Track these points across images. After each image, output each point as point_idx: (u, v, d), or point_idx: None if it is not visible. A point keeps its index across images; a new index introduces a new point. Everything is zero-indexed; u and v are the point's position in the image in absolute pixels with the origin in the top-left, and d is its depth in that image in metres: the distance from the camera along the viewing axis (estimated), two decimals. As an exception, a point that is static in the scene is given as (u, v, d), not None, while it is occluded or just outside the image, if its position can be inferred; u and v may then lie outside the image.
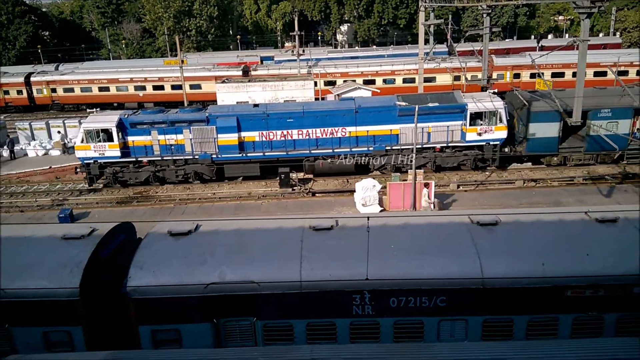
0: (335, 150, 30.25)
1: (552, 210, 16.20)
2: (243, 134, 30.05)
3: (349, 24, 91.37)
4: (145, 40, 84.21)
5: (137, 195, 30.40)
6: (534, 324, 10.62)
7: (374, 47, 74.82)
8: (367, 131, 30.07)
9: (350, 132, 30.10)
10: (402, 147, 30.13)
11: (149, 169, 30.59)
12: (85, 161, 30.33)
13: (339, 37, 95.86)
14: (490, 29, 33.92)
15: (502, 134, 29.92)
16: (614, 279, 10.37)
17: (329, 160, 30.40)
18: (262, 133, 30.07)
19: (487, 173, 30.94)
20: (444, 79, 47.27)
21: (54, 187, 32.51)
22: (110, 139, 29.47)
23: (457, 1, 43.28)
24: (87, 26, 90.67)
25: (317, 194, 29.30)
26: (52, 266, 10.94)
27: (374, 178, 27.64)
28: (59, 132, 40.64)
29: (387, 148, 30.13)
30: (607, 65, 42.96)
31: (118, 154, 29.80)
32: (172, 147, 30.15)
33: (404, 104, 27.46)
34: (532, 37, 74.37)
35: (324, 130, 30.08)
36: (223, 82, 43.27)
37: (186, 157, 30.40)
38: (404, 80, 48.99)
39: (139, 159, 30.36)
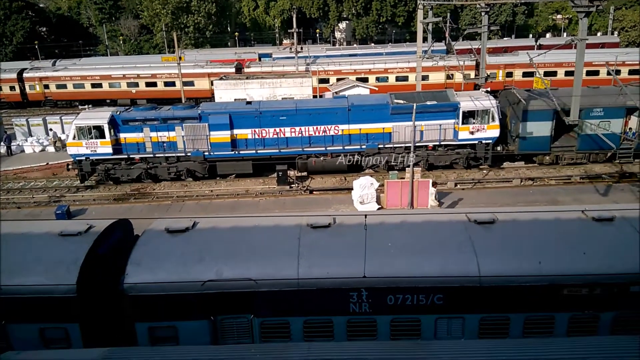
0: (328, 148, 30.22)
1: (549, 208, 16.27)
2: (235, 131, 29.98)
3: (347, 22, 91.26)
4: (143, 37, 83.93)
5: (134, 192, 30.35)
6: (530, 322, 10.65)
7: (372, 44, 74.75)
8: (360, 129, 30.03)
9: (343, 130, 30.08)
10: (395, 146, 30.13)
11: (141, 166, 30.48)
12: (77, 158, 30.22)
13: (337, 34, 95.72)
14: (488, 27, 33.88)
15: (495, 132, 29.95)
16: (610, 278, 10.41)
17: (321, 158, 30.39)
18: (254, 130, 30.01)
19: (484, 171, 30.98)
20: (437, 77, 47.27)
21: (51, 183, 32.45)
22: (102, 135, 29.38)
23: (455, -1, 43.28)
24: (85, 22, 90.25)
25: (314, 192, 29.31)
26: (49, 263, 10.93)
27: (371, 176, 27.65)
28: (50, 129, 40.43)
29: (379, 146, 30.13)
30: (599, 65, 43.06)
31: (110, 151, 29.69)
32: (165, 145, 30.06)
33: (401, 101, 27.49)
34: (530, 35, 74.47)
35: (317, 128, 30.06)
36: (221, 79, 43.18)
37: (178, 155, 30.32)
38: (397, 79, 48.97)
39: (131, 156, 30.26)
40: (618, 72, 44.91)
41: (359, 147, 30.17)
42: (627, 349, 7.70)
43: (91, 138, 29.45)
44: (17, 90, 55.52)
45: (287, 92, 40.46)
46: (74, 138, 29.71)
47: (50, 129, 40.46)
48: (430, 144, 30.13)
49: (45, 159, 36.31)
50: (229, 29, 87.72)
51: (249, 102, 31.92)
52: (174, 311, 10.79)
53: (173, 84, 51.80)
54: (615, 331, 10.61)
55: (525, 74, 47.44)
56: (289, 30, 67.59)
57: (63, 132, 39.95)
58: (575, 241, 11.00)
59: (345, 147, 30.22)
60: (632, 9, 74.47)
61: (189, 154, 30.17)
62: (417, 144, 29.88)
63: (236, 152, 30.16)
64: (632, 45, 68.06)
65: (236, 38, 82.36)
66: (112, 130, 29.56)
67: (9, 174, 34.33)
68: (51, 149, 38.61)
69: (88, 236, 11.61)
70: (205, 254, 11.06)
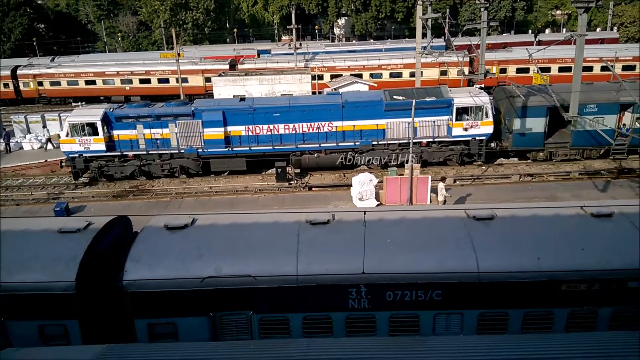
0: (321, 145, 30.16)
1: (548, 204, 16.28)
2: (229, 128, 29.91)
3: (346, 18, 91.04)
4: (142, 33, 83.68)
5: (133, 189, 30.34)
6: (529, 318, 10.68)
7: (372, 41, 74.60)
8: (354, 126, 29.97)
9: (336, 126, 30.01)
10: (389, 142, 30.09)
11: (135, 163, 30.41)
12: (71, 155, 30.15)
13: (337, 30, 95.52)
14: (487, 23, 33.77)
15: (488, 129, 29.91)
16: (608, 274, 10.43)
17: (315, 155, 30.34)
18: (248, 127, 29.94)
19: (483, 168, 30.99)
20: (431, 74, 47.24)
21: (50, 180, 32.41)
22: (95, 133, 29.32)
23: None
24: (83, 19, 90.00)
25: (313, 188, 29.31)
26: (48, 260, 10.93)
27: (370, 172, 27.64)
28: (43, 126, 40.30)
29: (373, 143, 30.08)
30: (593, 60, 42.97)
31: (103, 148, 29.61)
32: (158, 141, 29.97)
33: (401, 98, 27.43)
34: (530, 31, 74.31)
35: (311, 124, 30.00)
36: (219, 75, 43.07)
37: (172, 152, 30.23)
38: (391, 75, 48.91)
39: (125, 153, 30.19)
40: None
41: (352, 143, 30.14)
42: (625, 345, 7.72)
43: (84, 135, 29.39)
44: (11, 88, 55.38)
45: (286, 89, 40.41)
46: (67, 135, 29.67)
47: (43, 126, 40.28)
48: (424, 141, 30.08)
49: (44, 156, 36.28)
50: (227, 25, 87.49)
51: (242, 99, 31.81)
52: (173, 308, 10.80)
53: (167, 80, 51.69)
54: (613, 327, 10.64)
55: (519, 70, 47.45)
56: (287, 27, 67.40)
57: (62, 129, 39.77)
58: (574, 237, 11.01)
59: (339, 144, 30.18)
60: (631, 4, 74.34)
61: (182, 151, 30.09)
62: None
63: (230, 149, 30.09)
64: (632, 41, 67.98)
65: (235, 34, 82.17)
66: (105, 127, 29.47)
67: (7, 171, 34.30)
68: (49, 145, 38.47)
69: (87, 233, 11.61)
70: (205, 250, 11.07)
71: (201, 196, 28.93)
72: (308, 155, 30.28)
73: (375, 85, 41.88)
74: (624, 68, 46.17)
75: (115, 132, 29.86)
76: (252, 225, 12.04)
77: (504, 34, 76.46)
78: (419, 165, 27.67)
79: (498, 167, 31.13)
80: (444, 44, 58.09)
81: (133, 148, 30.11)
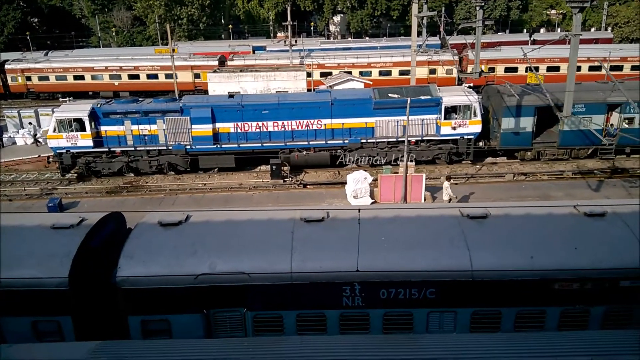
0: (310, 143, 30.16)
1: (541, 203, 16.37)
2: (217, 125, 29.84)
3: (342, 15, 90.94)
4: (136, 29, 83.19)
5: (127, 185, 30.22)
6: (522, 317, 10.74)
7: (367, 38, 74.56)
8: (343, 124, 29.98)
9: (325, 124, 30.03)
10: (378, 140, 30.10)
11: (122, 160, 30.29)
12: (58, 151, 29.97)
13: (332, 27, 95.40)
14: (482, 22, 33.85)
15: (477, 128, 30.02)
16: (601, 273, 10.50)
17: (304, 153, 30.30)
18: (237, 124, 29.88)
19: (477, 166, 31.09)
20: (420, 72, 47.30)
21: (43, 176, 32.24)
22: (82, 128, 29.17)
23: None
24: (77, 13, 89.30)
25: (308, 186, 29.31)
26: (41, 256, 10.87)
27: (365, 170, 27.67)
28: (30, 122, 39.99)
29: (362, 141, 30.07)
30: (581, 60, 43.12)
31: (90, 143, 29.47)
32: (146, 138, 29.89)
33: (396, 96, 27.42)
34: (525, 30, 74.54)
35: (300, 122, 29.98)
36: (214, 71, 42.93)
37: (160, 148, 30.14)
38: (380, 73, 48.91)
39: (112, 149, 30.06)
40: (599, 68, 45.32)
41: (341, 141, 30.13)
42: (616, 343, 7.78)
43: (72, 131, 29.23)
44: None
45: (281, 86, 40.31)
46: (54, 130, 29.48)
47: (30, 123, 39.97)
48: (413, 139, 30.11)
49: (37, 151, 36.06)
50: (222, 21, 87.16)
51: (231, 96, 31.70)
52: (166, 304, 10.78)
53: (156, 76, 51.51)
54: (605, 325, 10.72)
55: (507, 69, 47.62)
56: (283, 23, 67.23)
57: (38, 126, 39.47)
58: (567, 236, 11.07)
59: (328, 142, 30.18)
60: (625, 4, 74.73)
61: (170, 148, 29.99)
62: (400, 139, 29.95)
63: (218, 146, 30.02)
64: (626, 41, 68.34)
65: (230, 30, 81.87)
66: (92, 123, 29.32)
67: (0, 166, 34.08)
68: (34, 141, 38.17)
69: (80, 229, 11.56)
70: (199, 247, 11.05)
71: (195, 193, 28.87)
72: (297, 152, 30.24)
73: (371, 83, 41.91)
74: (612, 68, 46.43)
75: (103, 128, 29.72)
76: (247, 223, 12.03)
77: (499, 33, 76.58)
78: (414, 163, 27.74)
79: (492, 166, 31.26)
80: (440, 42, 58.14)
81: (121, 144, 29.99)
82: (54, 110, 40.73)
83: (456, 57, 47.72)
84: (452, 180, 27.09)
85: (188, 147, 29.90)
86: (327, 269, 10.61)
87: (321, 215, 11.81)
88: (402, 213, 12.36)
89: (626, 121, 29.82)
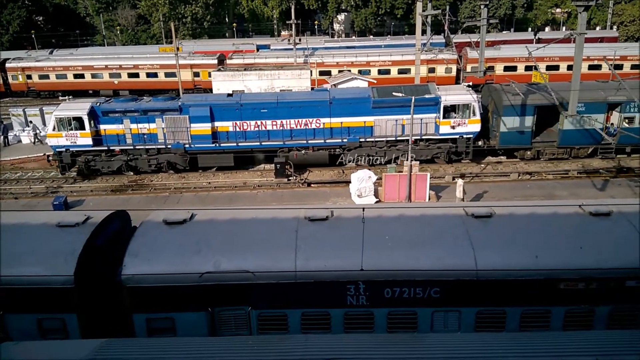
0: (309, 142, 30.09)
1: (546, 203, 16.31)
2: (216, 123, 29.82)
3: (346, 13, 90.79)
4: (140, 27, 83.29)
5: (132, 183, 30.30)
6: (526, 316, 10.71)
7: (371, 37, 74.40)
8: (341, 123, 29.90)
9: (324, 123, 29.95)
10: (376, 140, 30.03)
11: (122, 158, 30.31)
12: (58, 149, 30.03)
13: (336, 26, 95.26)
14: (487, 20, 33.74)
15: (476, 127, 29.89)
16: (606, 272, 10.46)
17: (303, 152, 30.27)
18: (235, 123, 29.85)
19: (482, 165, 31.01)
20: (420, 71, 47.27)
21: (49, 174, 32.34)
22: (82, 127, 29.20)
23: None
24: (82, 12, 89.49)
25: (312, 185, 29.31)
26: (46, 253, 10.93)
27: (369, 169, 27.65)
28: (30, 121, 40.08)
29: (360, 140, 30.02)
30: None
31: (90, 142, 29.49)
32: (145, 136, 29.90)
33: (400, 94, 27.37)
34: (530, 29, 74.22)
35: (298, 121, 29.91)
36: (219, 70, 42.97)
37: (159, 147, 30.14)
38: (379, 72, 48.87)
39: (111, 147, 30.09)
40: (599, 67, 45.16)
41: (340, 140, 30.08)
42: (621, 343, 7.75)
43: (71, 129, 29.27)
44: (0, 81, 55.15)
45: (285, 84, 40.30)
46: (53, 129, 29.54)
47: (30, 122, 40.08)
48: (412, 138, 30.01)
49: (42, 149, 36.14)
50: (227, 19, 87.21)
51: (230, 95, 31.66)
52: (171, 303, 10.81)
53: (155, 75, 51.59)
54: (610, 325, 10.68)
55: (506, 68, 47.48)
56: (287, 22, 67.20)
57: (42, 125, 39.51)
58: (572, 235, 11.04)
59: (327, 141, 30.12)
60: (631, 3, 74.23)
61: (169, 146, 30.00)
62: (398, 138, 29.87)
63: (217, 145, 30.00)
64: (631, 40, 67.96)
65: (234, 29, 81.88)
66: (92, 122, 29.34)
67: (5, 164, 34.22)
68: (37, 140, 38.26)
69: (86, 227, 11.60)
70: (203, 245, 11.07)
71: (200, 191, 28.92)
72: (296, 152, 30.21)
73: (375, 81, 41.83)
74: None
75: (102, 127, 29.76)
76: (251, 221, 12.05)
77: (504, 32, 76.29)
78: (418, 162, 27.69)
79: (497, 165, 31.17)
80: (444, 40, 57.98)
81: (120, 143, 30.02)
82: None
83: (455, 56, 47.58)
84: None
85: (187, 145, 29.92)
86: (331, 267, 10.62)
87: (325, 214, 11.81)
88: (407, 212, 12.35)
89: (626, 120, 29.69)
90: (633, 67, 46.59)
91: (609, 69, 34.96)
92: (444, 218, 11.91)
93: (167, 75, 50.78)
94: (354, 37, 77.39)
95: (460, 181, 24.78)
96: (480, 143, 30.87)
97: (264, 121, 29.87)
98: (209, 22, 76.92)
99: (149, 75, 51.81)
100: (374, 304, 10.74)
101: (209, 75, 49.01)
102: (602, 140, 29.25)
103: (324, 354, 7.67)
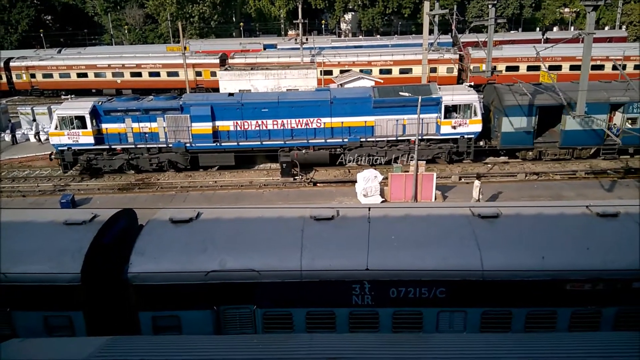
0: (310, 141, 30.06)
1: (553, 203, 16.22)
2: (217, 123, 29.86)
3: (353, 13, 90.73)
4: (148, 26, 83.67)
5: (138, 182, 30.43)
6: (532, 317, 10.66)
7: (378, 36, 74.30)
8: (342, 122, 29.85)
9: (325, 123, 29.92)
10: (377, 139, 29.96)
11: (123, 157, 30.42)
12: (60, 148, 30.20)
13: (343, 25, 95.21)
14: (495, 20, 33.58)
15: (477, 127, 29.76)
16: (613, 274, 10.39)
17: (303, 151, 30.26)
18: (236, 122, 29.88)
19: (488, 165, 30.89)
20: (420, 71, 47.18)
21: (56, 172, 32.52)
22: (84, 126, 29.34)
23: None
24: (90, 11, 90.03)
25: (318, 184, 29.31)
26: (53, 251, 10.99)
27: (375, 169, 27.61)
28: (33, 120, 40.28)
29: (361, 140, 29.95)
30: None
31: (92, 141, 29.64)
32: (146, 135, 29.99)
33: (407, 94, 27.29)
34: (538, 29, 73.86)
35: (299, 120, 29.90)
36: (226, 69, 43.08)
37: (160, 146, 30.23)
38: (381, 71, 48.83)
39: (113, 146, 30.21)
40: (601, 67, 44.87)
41: (341, 140, 30.04)
42: (628, 345, 7.70)
43: (73, 128, 29.43)
44: (4, 79, 55.65)
45: (291, 84, 40.33)
46: (56, 128, 29.72)
47: (33, 120, 40.28)
48: (412, 138, 29.89)
49: (50, 147, 36.32)
50: (234, 19, 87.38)
51: (231, 94, 31.67)
52: (177, 301, 10.85)
53: (158, 74, 51.81)
54: (617, 327, 10.61)
55: (508, 68, 47.30)
56: (294, 21, 67.21)
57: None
58: (579, 236, 10.97)
59: (328, 140, 30.09)
60: (640, 3, 73.71)
61: (170, 145, 30.08)
62: (399, 138, 29.78)
63: (218, 144, 30.05)
64: (640, 40, 67.43)
65: (241, 28, 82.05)
66: (93, 121, 29.50)
67: (14, 162, 34.46)
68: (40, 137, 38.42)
69: (93, 225, 11.67)
70: (209, 244, 11.10)
71: (206, 190, 28.99)
72: (296, 151, 30.22)
73: (382, 81, 41.77)
74: (614, 67, 45.98)
75: (104, 126, 29.90)
76: (257, 220, 12.06)
77: (512, 32, 75.96)
78: (424, 162, 27.62)
79: (504, 166, 31.03)
80: (451, 40, 57.80)
81: (121, 142, 30.14)
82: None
83: (456, 56, 47.42)
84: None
85: (188, 144, 29.99)
86: (336, 267, 10.61)
87: (331, 214, 11.81)
88: (413, 212, 12.32)
89: (629, 121, 29.48)
90: (636, 67, 46.31)
91: (618, 70, 34.72)
92: (450, 218, 11.88)
93: (169, 74, 50.98)
94: (361, 37, 77.31)
95: (477, 182, 24.69)
96: (481, 143, 30.77)
97: (264, 120, 29.91)
98: (216, 21, 77.14)
99: (151, 74, 52.08)
100: (379, 304, 10.72)
101: (211, 75, 49.28)
102: (604, 140, 29.05)
103: (329, 354, 7.67)
